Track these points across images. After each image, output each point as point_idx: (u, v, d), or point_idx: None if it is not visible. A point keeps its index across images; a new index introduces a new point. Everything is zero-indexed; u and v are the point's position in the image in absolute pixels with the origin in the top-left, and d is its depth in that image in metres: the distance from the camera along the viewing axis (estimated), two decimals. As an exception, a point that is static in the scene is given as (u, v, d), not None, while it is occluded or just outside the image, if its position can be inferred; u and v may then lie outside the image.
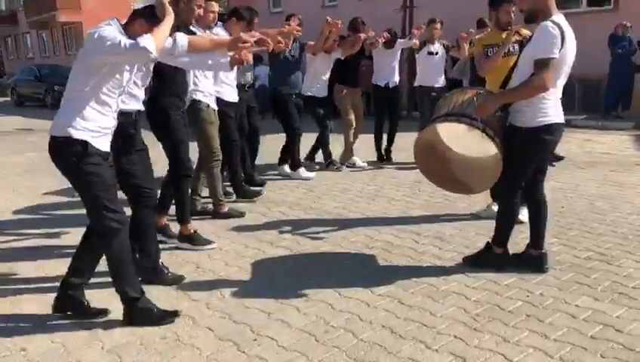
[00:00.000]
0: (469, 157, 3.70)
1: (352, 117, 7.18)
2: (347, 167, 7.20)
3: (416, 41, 7.27)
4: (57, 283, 3.22)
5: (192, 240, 4.38)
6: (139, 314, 3.13)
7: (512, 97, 3.45)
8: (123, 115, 3.26)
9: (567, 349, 2.75)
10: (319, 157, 7.34)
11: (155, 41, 2.78)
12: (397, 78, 7.52)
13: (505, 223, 3.72)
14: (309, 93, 6.81)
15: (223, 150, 5.19)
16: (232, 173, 5.76)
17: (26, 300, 3.48)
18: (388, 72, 7.40)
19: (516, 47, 4.49)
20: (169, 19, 2.94)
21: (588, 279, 3.56)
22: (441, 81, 7.31)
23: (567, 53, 3.30)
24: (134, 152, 3.48)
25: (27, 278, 3.85)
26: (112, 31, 2.84)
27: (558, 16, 3.33)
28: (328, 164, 7.17)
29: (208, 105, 4.86)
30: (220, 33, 5.06)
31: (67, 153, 2.90)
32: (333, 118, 7.22)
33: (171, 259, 4.13)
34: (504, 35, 4.54)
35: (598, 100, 11.35)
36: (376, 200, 5.67)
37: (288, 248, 4.33)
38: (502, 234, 3.74)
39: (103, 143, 2.98)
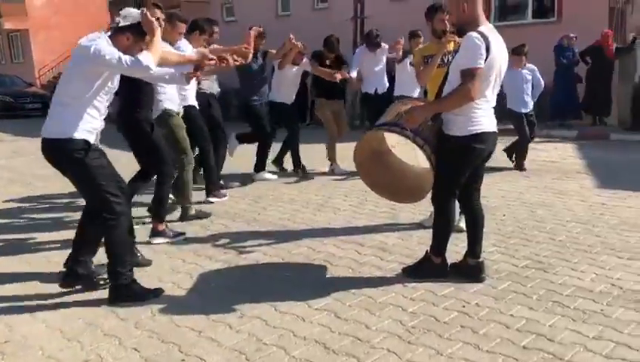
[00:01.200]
0: (402, 165, 3.70)
1: (334, 128, 7.32)
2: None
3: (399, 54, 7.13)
4: None
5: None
6: (125, 291, 3.46)
7: (441, 107, 3.46)
8: None
9: (499, 360, 2.73)
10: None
11: (153, 59, 3.27)
12: (386, 83, 7.46)
13: (441, 232, 3.71)
14: (278, 100, 7.02)
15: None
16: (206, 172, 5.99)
17: None
18: (374, 77, 7.35)
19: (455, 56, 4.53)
20: (158, 35, 3.38)
21: (524, 288, 3.57)
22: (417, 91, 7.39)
23: (494, 63, 3.32)
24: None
25: None
26: (106, 46, 3.24)
27: (486, 27, 3.35)
28: (295, 168, 7.26)
29: (178, 113, 5.12)
30: (183, 47, 5.11)
31: (71, 151, 3.30)
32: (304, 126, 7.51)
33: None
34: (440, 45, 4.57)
35: (545, 110, 11.61)
36: (322, 210, 5.61)
37: (227, 262, 4.22)
38: (439, 243, 3.73)
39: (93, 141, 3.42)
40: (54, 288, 3.67)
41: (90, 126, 3.35)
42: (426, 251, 3.82)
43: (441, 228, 3.71)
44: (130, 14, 3.41)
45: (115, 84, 3.46)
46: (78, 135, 3.29)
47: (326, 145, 7.47)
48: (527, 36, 11.63)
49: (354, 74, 7.11)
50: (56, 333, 3.16)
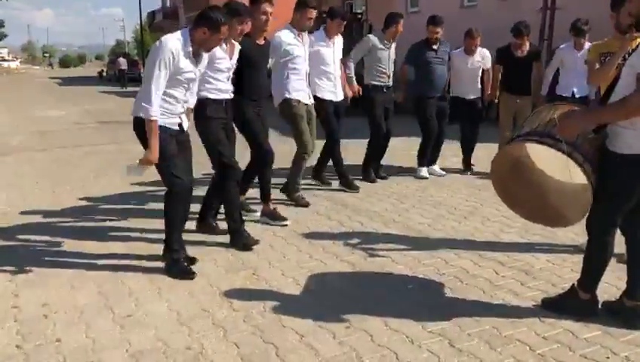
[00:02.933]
0: (554, 184, 3.16)
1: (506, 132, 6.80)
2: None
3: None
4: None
5: (272, 215, 5.00)
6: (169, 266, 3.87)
7: (606, 117, 2.86)
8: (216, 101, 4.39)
9: None
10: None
11: (149, 115, 3.58)
12: (587, 88, 6.43)
13: (594, 265, 3.12)
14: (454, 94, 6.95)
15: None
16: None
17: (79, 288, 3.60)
18: (576, 79, 6.39)
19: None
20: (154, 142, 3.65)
21: (696, 347, 2.87)
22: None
23: (682, 67, 2.66)
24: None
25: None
26: (160, 50, 3.55)
27: (672, 22, 2.69)
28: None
29: (299, 101, 5.29)
30: (319, 39, 5.73)
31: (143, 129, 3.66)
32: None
33: (230, 260, 4.08)
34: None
35: None
36: (469, 218, 5.16)
37: (352, 264, 4.05)
38: (590, 277, 3.15)
39: (169, 123, 3.75)
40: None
41: (161, 110, 3.63)
42: (573, 284, 3.26)
43: (595, 261, 3.12)
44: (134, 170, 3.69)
45: (188, 76, 3.73)
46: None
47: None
48: None
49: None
50: (173, 315, 3.28)
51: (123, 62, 31.65)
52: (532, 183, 3.30)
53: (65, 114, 15.19)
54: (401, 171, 7.03)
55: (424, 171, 6.79)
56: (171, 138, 3.77)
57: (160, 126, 3.64)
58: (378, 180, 6.54)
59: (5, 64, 68.93)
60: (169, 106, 3.71)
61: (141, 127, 3.64)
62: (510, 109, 6.76)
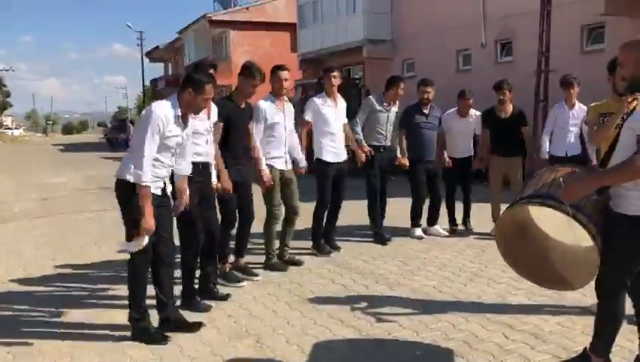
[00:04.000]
0: (559, 246, 3.14)
1: (495, 189, 6.97)
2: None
3: None
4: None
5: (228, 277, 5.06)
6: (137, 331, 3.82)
7: (608, 179, 2.87)
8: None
9: None
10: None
11: (140, 180, 3.55)
12: (579, 148, 6.48)
13: (606, 328, 3.06)
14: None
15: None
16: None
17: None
18: (568, 139, 6.50)
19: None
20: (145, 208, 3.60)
21: None
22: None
23: (680, 128, 2.70)
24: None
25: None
26: (150, 118, 3.60)
27: (667, 84, 2.75)
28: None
29: (272, 167, 5.33)
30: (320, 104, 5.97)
31: (122, 190, 3.71)
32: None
33: (233, 327, 4.01)
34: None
35: None
36: (475, 280, 5.10)
37: (358, 329, 3.97)
38: (602, 340, 3.08)
39: (153, 188, 3.68)
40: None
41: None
42: (585, 347, 3.18)
43: (606, 325, 3.06)
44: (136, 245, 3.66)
45: (174, 143, 3.75)
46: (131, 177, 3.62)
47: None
48: None
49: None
50: (175, 386, 3.18)
51: (130, 128, 31.88)
52: (537, 246, 3.29)
53: (67, 180, 15.27)
54: (404, 232, 6.99)
55: (418, 231, 6.83)
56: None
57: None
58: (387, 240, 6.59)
59: (9, 132, 70.27)
60: (154, 170, 3.70)
61: (122, 189, 3.67)
62: (500, 171, 6.86)
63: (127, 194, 3.62)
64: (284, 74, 5.34)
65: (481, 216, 7.19)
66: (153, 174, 3.64)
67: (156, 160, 3.67)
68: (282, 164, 5.46)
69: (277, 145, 5.40)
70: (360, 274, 5.31)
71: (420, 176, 6.74)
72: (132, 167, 3.58)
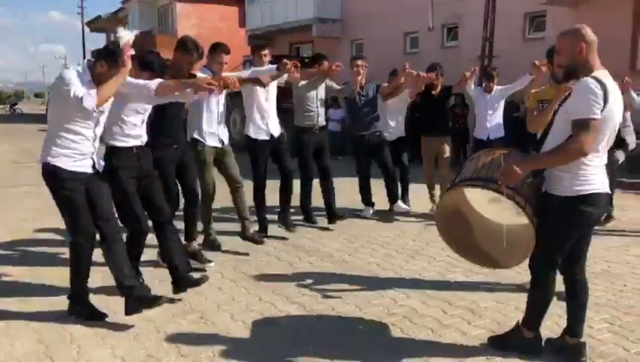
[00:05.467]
0: (495, 226, 3.28)
1: (429, 171, 7.05)
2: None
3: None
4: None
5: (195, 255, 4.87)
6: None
7: (544, 162, 3.02)
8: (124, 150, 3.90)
9: None
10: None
11: (96, 99, 3.30)
12: (502, 131, 6.80)
13: (537, 304, 3.23)
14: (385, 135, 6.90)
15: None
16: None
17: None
18: (488, 123, 6.73)
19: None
20: (121, 76, 3.42)
21: (633, 381, 2.99)
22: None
23: (611, 114, 2.86)
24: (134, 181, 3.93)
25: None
26: (70, 76, 3.35)
27: (601, 72, 2.90)
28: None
29: (204, 145, 5.06)
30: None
31: (46, 176, 3.51)
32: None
33: (177, 304, 3.98)
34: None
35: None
36: (416, 258, 5.25)
37: (302, 306, 4.03)
38: (533, 315, 3.25)
39: (79, 166, 3.50)
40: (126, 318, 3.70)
41: (69, 151, 3.45)
42: (518, 321, 3.36)
43: (538, 300, 3.23)
44: (122, 37, 3.36)
45: (97, 109, 3.41)
46: (54, 160, 3.44)
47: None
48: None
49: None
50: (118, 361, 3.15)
51: None
52: (474, 227, 3.42)
53: (1, 152, 14.61)
54: (350, 212, 7.08)
55: (366, 211, 6.87)
56: (80, 186, 3.52)
57: (69, 171, 3.47)
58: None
59: None
60: (77, 146, 3.46)
61: (51, 176, 3.48)
62: (431, 152, 7.00)
63: (56, 180, 3.45)
64: (226, 58, 4.99)
65: (419, 196, 7.32)
66: (75, 151, 3.46)
67: (76, 133, 3.46)
68: (215, 141, 5.14)
69: (210, 121, 5.08)
70: (305, 252, 5.37)
71: (359, 151, 6.79)
72: (53, 148, 3.42)
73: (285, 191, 6.04)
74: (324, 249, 5.51)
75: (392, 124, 7.14)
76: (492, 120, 6.74)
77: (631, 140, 6.33)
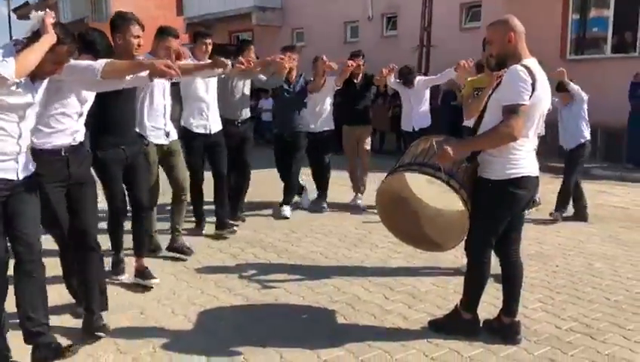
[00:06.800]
0: (433, 211, 3.36)
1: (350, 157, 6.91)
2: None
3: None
4: None
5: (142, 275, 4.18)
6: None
7: (477, 145, 3.11)
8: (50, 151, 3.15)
9: None
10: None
11: (15, 65, 2.54)
12: (427, 121, 6.79)
13: (474, 286, 3.33)
14: (309, 129, 6.59)
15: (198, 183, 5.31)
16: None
17: None
18: (413, 114, 6.72)
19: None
20: (45, 41, 2.69)
21: (564, 356, 3.14)
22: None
23: (539, 100, 2.98)
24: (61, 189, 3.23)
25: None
26: None
27: (530, 60, 3.00)
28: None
29: (148, 143, 4.44)
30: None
31: None
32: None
33: (115, 300, 3.83)
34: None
35: (621, 150, 10.81)
36: (358, 246, 5.31)
37: (246, 297, 4.00)
38: (470, 298, 3.35)
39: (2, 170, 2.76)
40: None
41: None
42: (456, 304, 3.45)
43: (474, 282, 3.33)
44: (36, 18, 2.74)
45: (19, 101, 2.77)
46: None
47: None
48: (606, 72, 11.02)
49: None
50: None
51: None
52: (413, 212, 3.49)
53: None
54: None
55: (285, 210, 6.41)
56: None
57: None
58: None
59: None
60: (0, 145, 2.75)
61: None
62: (352, 140, 6.96)
63: None
64: (175, 43, 4.48)
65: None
66: None
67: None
68: (161, 138, 4.57)
69: (155, 115, 4.50)
70: (248, 243, 5.33)
71: (277, 148, 6.55)
72: None
73: (217, 191, 5.55)
74: (267, 239, 5.49)
75: (317, 112, 6.67)
76: (417, 111, 6.73)
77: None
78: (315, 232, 5.77)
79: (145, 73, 3.34)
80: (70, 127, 3.22)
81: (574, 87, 6.04)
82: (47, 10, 2.79)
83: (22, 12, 40.22)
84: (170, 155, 4.70)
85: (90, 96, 3.34)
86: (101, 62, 3.09)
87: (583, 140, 6.23)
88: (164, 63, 3.24)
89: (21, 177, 2.84)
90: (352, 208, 6.80)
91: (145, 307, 3.80)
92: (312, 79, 6.55)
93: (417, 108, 6.73)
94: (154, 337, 3.33)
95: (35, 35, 2.74)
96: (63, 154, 3.19)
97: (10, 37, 39.68)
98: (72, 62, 3.05)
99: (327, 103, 6.75)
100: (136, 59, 3.76)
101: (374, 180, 7.09)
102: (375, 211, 6.37)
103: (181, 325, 3.53)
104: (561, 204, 6.30)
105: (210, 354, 3.12)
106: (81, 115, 3.30)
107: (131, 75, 3.33)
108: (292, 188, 6.55)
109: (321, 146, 6.73)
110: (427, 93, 6.84)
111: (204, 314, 3.71)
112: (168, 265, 4.68)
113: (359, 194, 6.96)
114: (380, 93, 7.03)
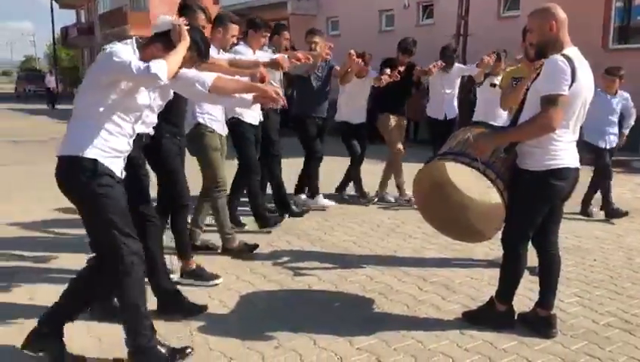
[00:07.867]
0: (471, 201, 3.33)
1: (400, 147, 6.64)
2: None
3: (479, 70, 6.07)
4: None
5: (196, 275, 4.02)
6: (148, 357, 2.82)
7: (515, 136, 3.07)
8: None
9: None
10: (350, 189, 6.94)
11: (167, 68, 2.61)
12: (456, 110, 6.78)
13: (510, 277, 3.31)
14: (343, 119, 6.53)
15: (243, 173, 5.16)
16: (251, 200, 5.42)
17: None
18: (444, 102, 6.65)
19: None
20: (183, 46, 2.78)
21: (601, 351, 3.09)
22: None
23: (579, 90, 2.91)
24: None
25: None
26: (124, 50, 2.67)
27: (571, 50, 2.94)
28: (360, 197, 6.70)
29: (213, 130, 4.38)
30: (242, 52, 4.88)
31: (75, 173, 2.66)
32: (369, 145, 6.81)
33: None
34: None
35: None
36: (392, 236, 5.31)
37: (280, 283, 4.05)
38: (506, 289, 3.33)
39: (114, 165, 2.75)
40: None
41: (106, 145, 2.70)
42: (491, 296, 3.43)
43: (510, 274, 3.31)
44: (165, 22, 2.91)
45: (141, 101, 2.82)
46: (88, 153, 2.66)
47: (386, 168, 6.83)
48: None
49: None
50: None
51: (52, 80, 27.49)
52: (450, 201, 3.47)
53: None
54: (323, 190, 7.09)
55: (302, 199, 6.28)
56: (119, 186, 2.78)
57: (106, 167, 2.71)
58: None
59: None
60: (114, 142, 2.74)
61: (70, 172, 2.69)
62: (398, 130, 6.72)
63: (82, 177, 2.66)
64: (235, 29, 4.41)
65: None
66: (112, 147, 2.74)
67: (116, 125, 2.74)
68: (221, 128, 4.51)
69: (216, 106, 4.36)
70: (282, 231, 5.38)
71: (312, 132, 6.14)
72: (88, 140, 2.68)
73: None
74: (301, 227, 5.53)
75: (353, 107, 6.52)
76: (448, 99, 6.65)
77: None
78: (348, 221, 5.79)
79: (249, 96, 3.34)
80: (152, 122, 3.31)
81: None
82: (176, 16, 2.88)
83: (64, 1, 41.10)
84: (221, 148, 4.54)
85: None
86: (211, 76, 3.19)
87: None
88: (275, 90, 3.29)
89: (122, 176, 2.84)
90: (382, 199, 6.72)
91: (183, 291, 3.87)
92: (336, 67, 6.29)
93: (449, 96, 6.67)
94: (191, 321, 3.40)
95: (161, 37, 2.83)
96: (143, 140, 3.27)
97: (53, 24, 40.62)
98: (184, 70, 3.06)
99: (362, 97, 6.60)
100: (249, 82, 3.66)
101: (412, 171, 7.05)
102: (407, 202, 6.45)
103: (218, 310, 3.60)
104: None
105: (245, 338, 3.18)
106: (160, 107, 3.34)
107: (238, 95, 3.36)
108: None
109: (359, 137, 6.58)
110: (458, 81, 6.78)
111: (240, 299, 3.77)
112: (203, 252, 4.75)
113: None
114: (414, 82, 6.93)
